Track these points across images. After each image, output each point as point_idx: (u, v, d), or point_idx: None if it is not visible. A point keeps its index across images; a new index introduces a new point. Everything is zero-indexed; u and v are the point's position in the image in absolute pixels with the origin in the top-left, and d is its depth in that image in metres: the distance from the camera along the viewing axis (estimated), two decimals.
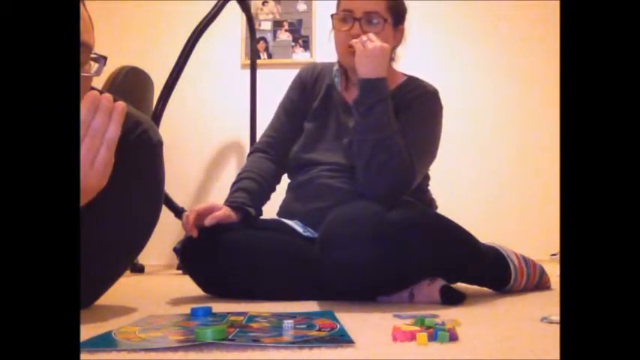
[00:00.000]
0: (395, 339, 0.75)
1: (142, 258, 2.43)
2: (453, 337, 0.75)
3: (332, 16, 1.45)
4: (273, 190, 1.57)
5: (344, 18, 1.41)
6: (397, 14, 1.45)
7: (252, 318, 0.93)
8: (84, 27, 0.95)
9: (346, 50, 1.38)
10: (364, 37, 1.33)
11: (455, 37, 3.23)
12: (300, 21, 3.25)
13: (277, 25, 3.26)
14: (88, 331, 0.82)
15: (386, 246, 1.15)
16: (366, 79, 1.32)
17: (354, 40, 1.35)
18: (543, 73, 3.16)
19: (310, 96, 1.57)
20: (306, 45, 3.23)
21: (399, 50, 1.54)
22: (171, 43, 2.92)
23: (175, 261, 2.44)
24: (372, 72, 1.31)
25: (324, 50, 3.08)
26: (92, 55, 0.97)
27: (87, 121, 0.83)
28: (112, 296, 1.23)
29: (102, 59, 0.97)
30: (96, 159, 0.84)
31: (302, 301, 1.26)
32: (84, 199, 0.86)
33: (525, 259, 1.45)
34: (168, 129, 2.48)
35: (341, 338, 0.75)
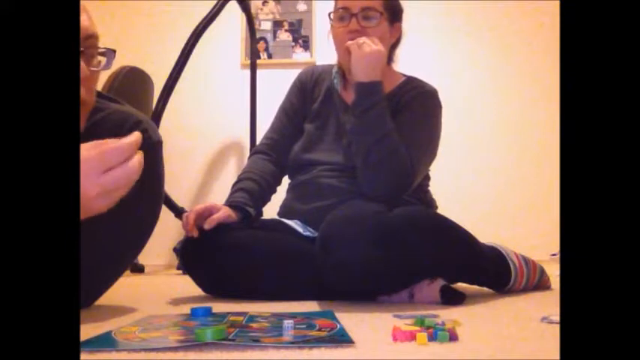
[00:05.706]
0: (395, 339, 0.75)
1: (142, 258, 2.43)
2: (453, 337, 0.75)
3: (329, 14, 1.46)
4: (274, 191, 1.58)
5: (341, 16, 1.42)
6: (393, 11, 1.46)
7: (252, 318, 0.93)
8: (88, 17, 0.94)
9: (344, 49, 1.39)
10: (361, 40, 1.34)
11: (454, 37, 3.24)
12: (300, 21, 3.24)
13: (277, 25, 3.26)
14: (88, 331, 0.82)
15: (386, 246, 1.15)
16: (361, 83, 1.33)
17: (349, 42, 1.36)
18: (543, 72, 3.16)
19: (310, 98, 1.58)
20: (306, 45, 3.23)
21: (399, 51, 1.54)
22: (171, 43, 2.92)
23: (175, 261, 2.44)
24: (367, 75, 1.33)
25: (324, 50, 3.08)
26: (100, 50, 0.97)
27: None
28: (112, 296, 1.23)
29: (111, 52, 0.97)
30: (112, 193, 0.83)
31: (302, 301, 1.26)
32: (83, 215, 0.86)
33: (525, 259, 1.44)
34: (168, 129, 2.49)
35: (341, 338, 0.75)
